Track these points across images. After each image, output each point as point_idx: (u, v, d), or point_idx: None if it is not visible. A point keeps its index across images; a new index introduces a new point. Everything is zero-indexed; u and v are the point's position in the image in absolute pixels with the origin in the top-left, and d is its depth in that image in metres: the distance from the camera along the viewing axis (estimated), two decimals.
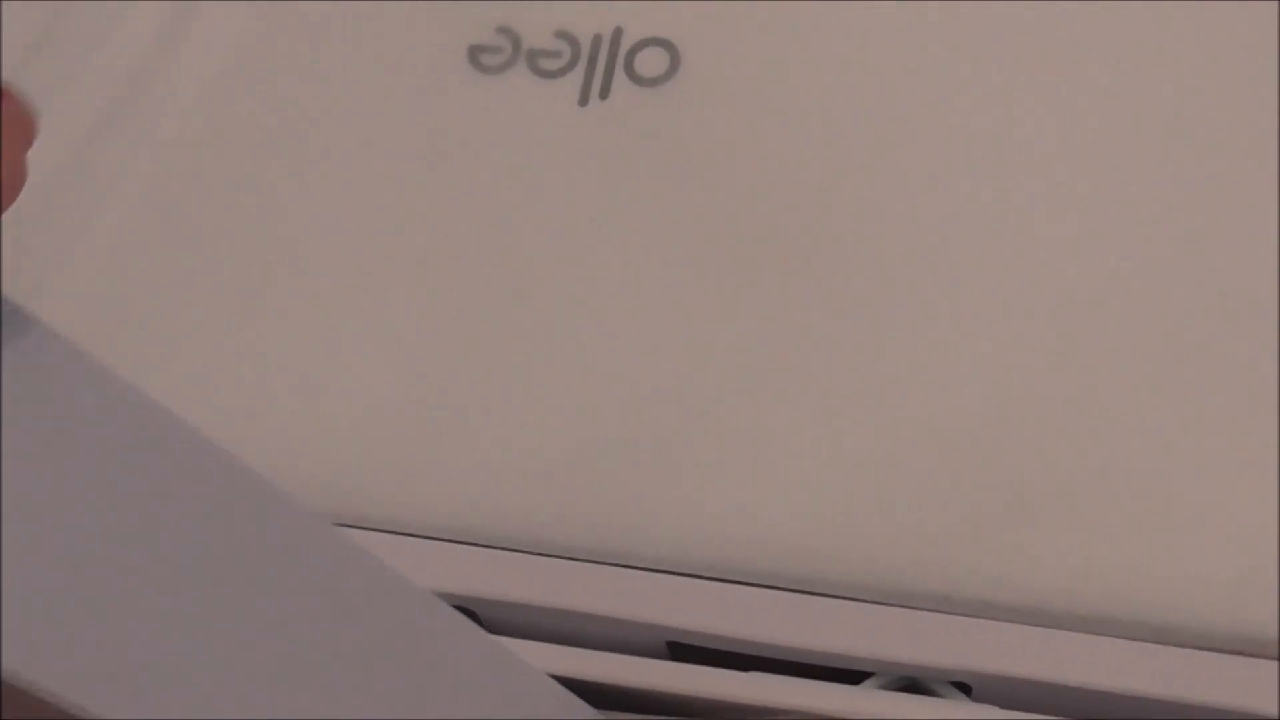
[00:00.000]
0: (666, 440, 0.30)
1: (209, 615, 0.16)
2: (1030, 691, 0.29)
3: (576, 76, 0.34)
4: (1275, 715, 0.27)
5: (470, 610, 0.31)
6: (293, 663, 0.17)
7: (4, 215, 0.16)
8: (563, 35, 0.34)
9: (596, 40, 0.34)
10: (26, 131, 0.16)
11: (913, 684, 0.29)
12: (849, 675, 0.29)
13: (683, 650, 0.30)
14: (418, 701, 0.20)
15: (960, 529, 0.29)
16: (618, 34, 0.34)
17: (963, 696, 0.29)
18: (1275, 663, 0.28)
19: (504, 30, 0.35)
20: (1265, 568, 0.28)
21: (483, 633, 0.24)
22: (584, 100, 0.34)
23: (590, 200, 0.33)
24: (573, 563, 0.30)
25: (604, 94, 0.34)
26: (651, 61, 0.34)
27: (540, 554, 0.30)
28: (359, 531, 0.31)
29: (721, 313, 0.32)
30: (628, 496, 0.30)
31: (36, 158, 0.16)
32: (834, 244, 0.32)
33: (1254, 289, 0.30)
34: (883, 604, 0.29)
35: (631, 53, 0.34)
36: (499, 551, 0.31)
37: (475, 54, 0.35)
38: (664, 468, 0.30)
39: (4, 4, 0.35)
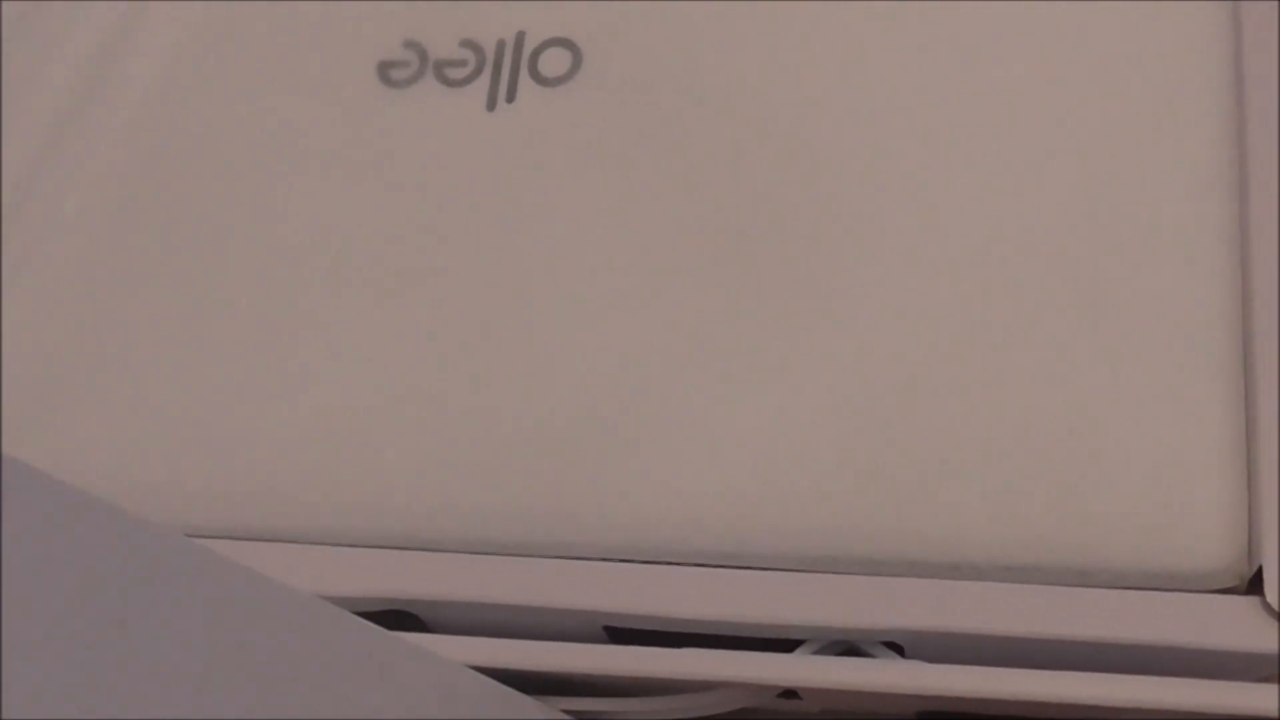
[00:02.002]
0: (587, 430, 0.31)
1: None
2: (962, 645, 0.29)
3: (483, 83, 0.35)
4: (1202, 646, 0.28)
5: (410, 613, 0.32)
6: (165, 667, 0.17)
7: None
8: (467, 44, 0.35)
9: (500, 46, 0.35)
10: None
11: (847, 648, 0.30)
12: (784, 645, 0.30)
13: (620, 633, 0.31)
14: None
15: (882, 491, 0.29)
16: (520, 38, 0.35)
17: (895, 656, 0.29)
18: (1197, 595, 0.28)
19: (411, 44, 0.35)
20: (1180, 504, 0.28)
21: (387, 635, 0.24)
22: (492, 105, 0.34)
23: (506, 201, 0.33)
24: (506, 558, 0.31)
25: (510, 98, 0.34)
26: (554, 62, 0.34)
27: (474, 552, 0.31)
28: (292, 546, 0.32)
29: (641, 302, 0.32)
30: (556, 489, 0.31)
31: None
32: (743, 225, 0.32)
33: (1160, 238, 0.31)
34: (811, 571, 0.29)
35: (535, 55, 0.35)
36: (434, 554, 0.31)
37: (385, 70, 0.35)
38: (587, 457, 0.31)
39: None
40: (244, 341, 0.33)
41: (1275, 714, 0.27)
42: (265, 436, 0.32)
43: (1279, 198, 0.30)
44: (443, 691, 0.24)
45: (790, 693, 0.30)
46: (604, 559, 0.30)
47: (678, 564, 0.30)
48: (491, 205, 0.33)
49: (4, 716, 0.15)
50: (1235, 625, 0.28)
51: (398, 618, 0.32)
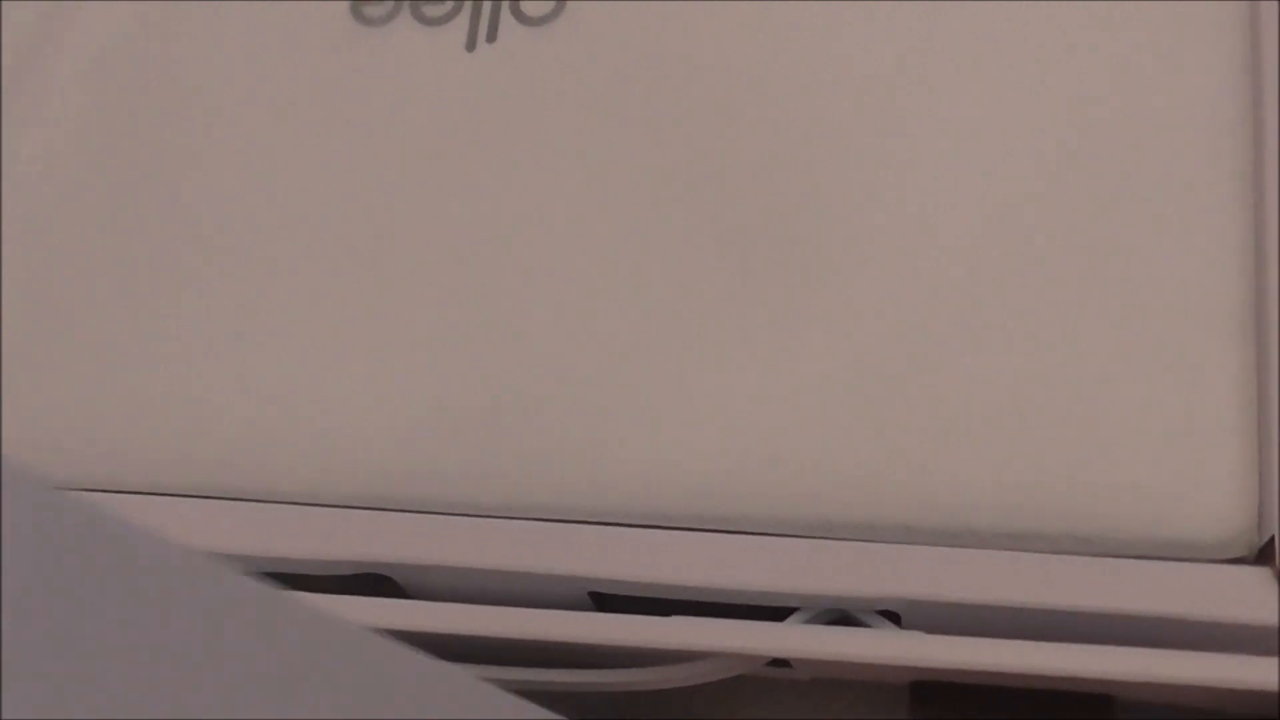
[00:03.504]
0: (574, 390, 0.30)
1: None
2: (960, 614, 0.28)
3: (462, 22, 0.33)
4: (1209, 617, 0.27)
5: (388, 576, 0.30)
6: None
7: None
8: None
9: None
10: None
11: (841, 617, 0.29)
12: (775, 613, 0.29)
13: (607, 601, 0.30)
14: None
15: (880, 455, 0.28)
16: None
17: (892, 625, 0.28)
18: (1205, 565, 0.27)
19: None
20: (1188, 471, 0.27)
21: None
22: (472, 45, 0.33)
23: (486, 144, 0.32)
24: (488, 520, 0.29)
25: (491, 37, 0.33)
26: (538, 1, 0.33)
27: (454, 514, 0.30)
28: (272, 505, 0.30)
29: (630, 257, 0.31)
30: (541, 448, 0.30)
31: None
32: (737, 184, 0.31)
33: (1169, 202, 0.30)
34: (805, 537, 0.28)
35: None
36: (412, 515, 0.30)
37: (358, 8, 0.34)
38: (573, 418, 0.29)
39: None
40: (212, 300, 0.31)
41: (1274, 688, 0.26)
42: (238, 397, 0.31)
43: None
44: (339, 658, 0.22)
45: (781, 661, 0.29)
46: (590, 523, 0.29)
47: (667, 528, 0.29)
48: (470, 150, 0.32)
49: None
50: (1243, 596, 0.27)
51: (374, 582, 0.31)
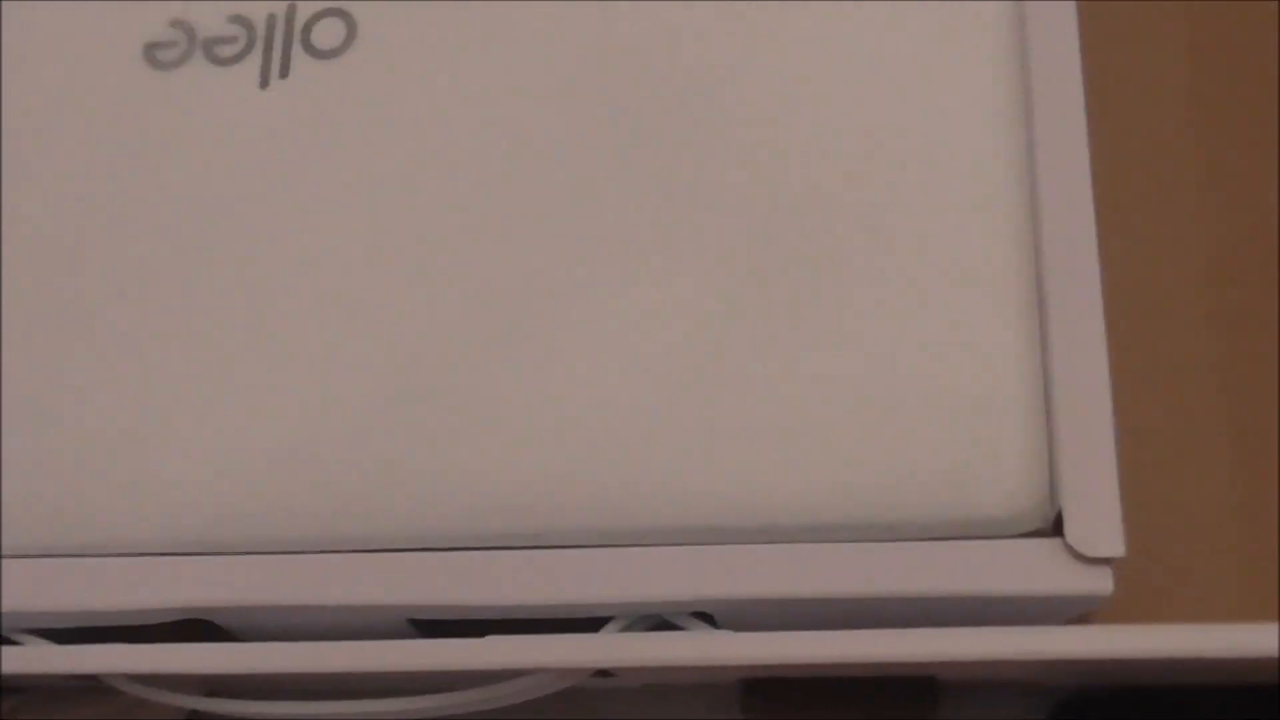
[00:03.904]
0: (376, 418, 0.30)
1: None
2: (773, 610, 0.28)
3: (255, 59, 0.33)
4: (1009, 592, 0.27)
5: (209, 621, 0.30)
6: None
7: None
8: (237, 20, 0.33)
9: (271, 20, 0.33)
10: None
11: (657, 622, 0.29)
12: (596, 624, 0.29)
13: (431, 625, 0.30)
14: None
15: (679, 459, 0.28)
16: (291, 10, 0.33)
17: (707, 627, 0.29)
18: (1004, 541, 0.28)
19: (178, 23, 0.34)
20: (980, 451, 0.28)
21: None
22: (265, 82, 0.33)
23: (282, 180, 0.32)
24: (303, 556, 0.29)
25: (284, 73, 0.33)
26: (328, 33, 0.33)
27: (270, 553, 0.30)
28: (88, 559, 0.30)
29: (421, 281, 0.31)
30: (346, 481, 0.29)
31: None
32: (528, 202, 0.31)
33: (947, 182, 0.30)
34: (615, 546, 0.29)
35: (307, 27, 0.33)
36: (229, 558, 0.30)
37: (151, 51, 0.34)
38: (377, 447, 0.29)
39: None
40: (7, 344, 0.31)
41: (1084, 656, 0.27)
42: (39, 449, 0.30)
43: (1065, 133, 0.30)
44: None
45: (606, 671, 0.30)
46: (406, 550, 0.29)
47: (481, 549, 0.29)
48: (270, 186, 0.32)
49: None
50: (1039, 569, 0.27)
51: (195, 628, 0.31)
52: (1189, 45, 0.35)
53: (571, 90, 0.32)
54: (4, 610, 0.30)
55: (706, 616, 0.29)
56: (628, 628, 0.29)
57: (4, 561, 0.30)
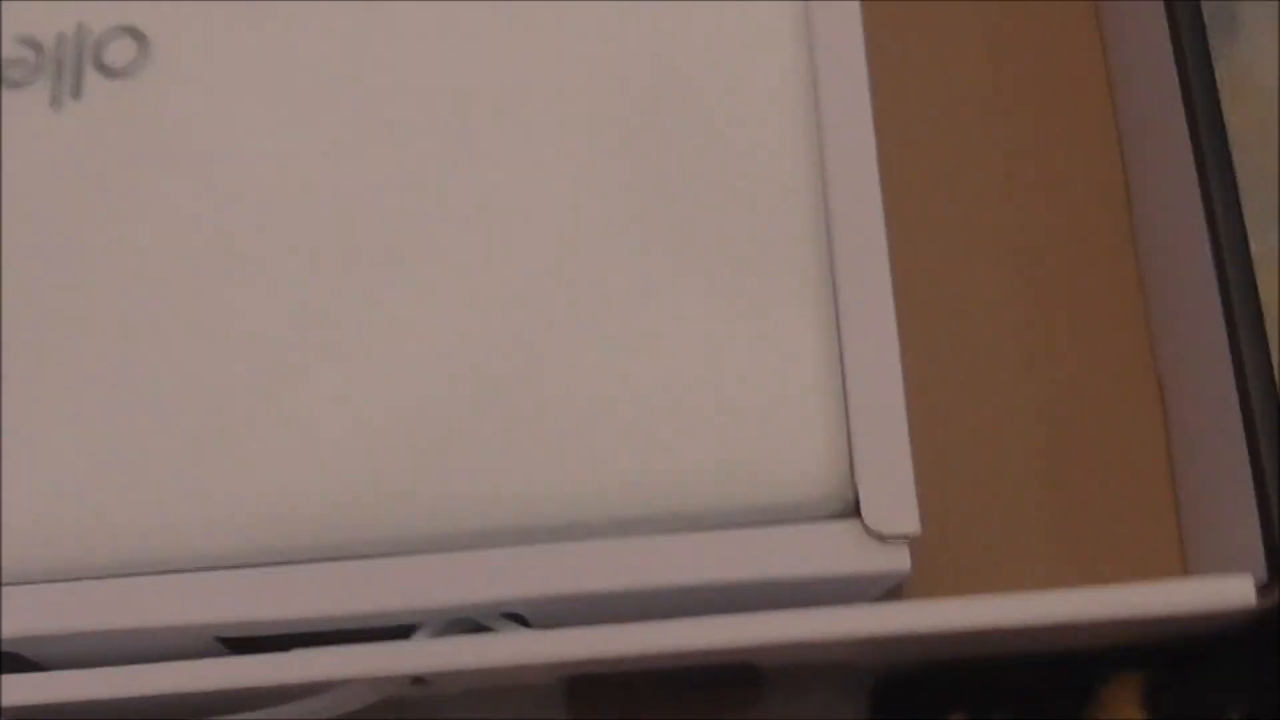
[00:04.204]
0: (165, 434, 0.29)
1: None
2: (585, 607, 0.28)
3: (46, 80, 0.32)
4: (810, 574, 0.28)
5: (15, 654, 0.30)
6: None
7: None
8: (25, 41, 0.33)
9: (61, 39, 0.33)
10: None
11: (469, 625, 0.29)
12: (408, 632, 0.29)
13: (240, 642, 0.29)
14: None
15: (477, 461, 0.28)
16: (81, 30, 0.33)
17: (518, 627, 0.29)
18: (805, 525, 0.28)
19: None
20: (780, 437, 0.28)
21: None
22: (56, 103, 0.32)
23: (80, 201, 0.31)
24: (105, 581, 0.29)
25: (76, 93, 0.32)
26: (120, 52, 0.32)
27: (70, 579, 0.29)
28: None
29: (226, 303, 0.30)
30: (139, 500, 0.29)
31: None
32: (327, 208, 0.31)
33: (737, 169, 0.30)
34: (419, 553, 0.28)
35: (99, 46, 0.32)
36: (28, 586, 0.29)
37: None
38: (166, 463, 0.29)
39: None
40: None
41: (889, 632, 0.27)
42: None
43: (851, 121, 0.30)
44: None
45: (422, 679, 0.30)
46: (209, 569, 0.29)
47: (286, 564, 0.29)
48: (68, 209, 0.31)
49: None
50: (840, 550, 0.28)
51: (7, 660, 0.30)
52: (981, 34, 0.36)
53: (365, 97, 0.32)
54: None
55: (519, 618, 0.29)
56: (439, 633, 0.29)
57: None
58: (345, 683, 0.28)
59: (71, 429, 0.29)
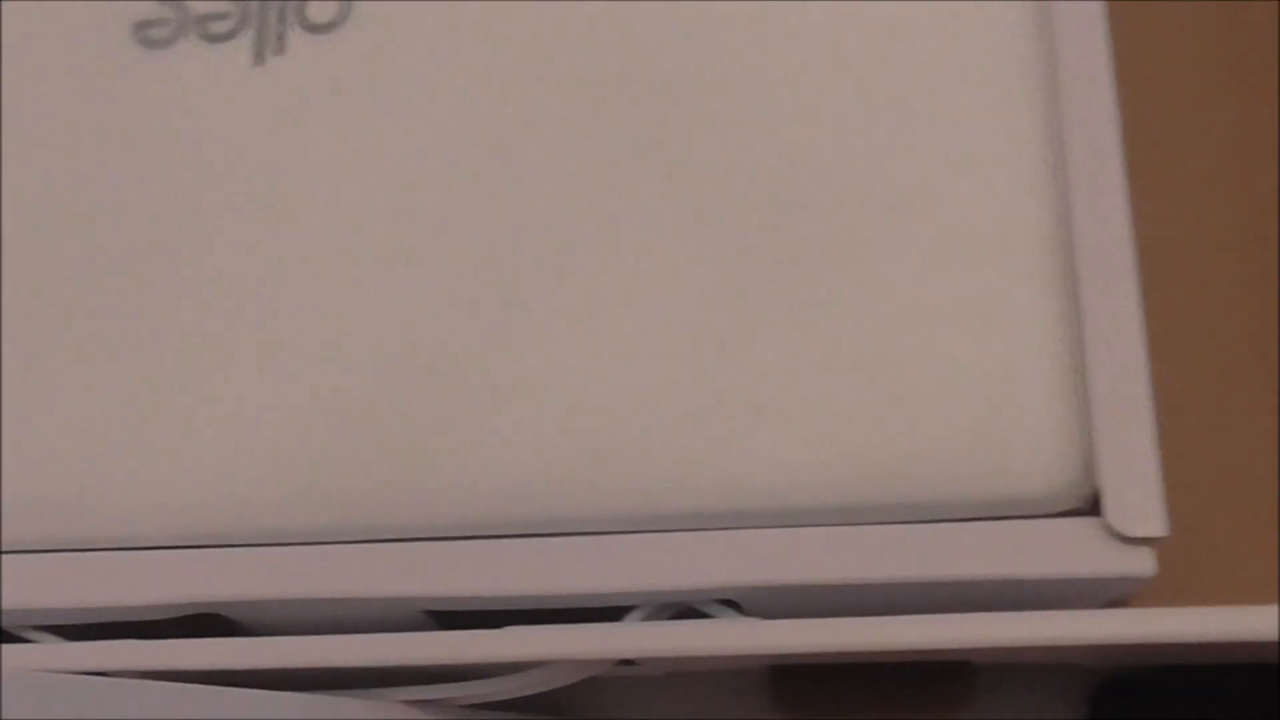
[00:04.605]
0: (385, 404, 0.29)
1: None
2: (799, 596, 0.27)
3: (248, 35, 0.32)
4: (1044, 575, 0.26)
5: (219, 615, 0.29)
6: None
7: None
8: None
9: None
10: None
11: (681, 610, 0.28)
12: (617, 613, 0.28)
13: (446, 616, 0.29)
14: None
15: (698, 442, 0.27)
16: None
17: (733, 613, 0.28)
18: (1037, 521, 0.27)
19: (168, 1, 0.32)
20: (1011, 426, 0.27)
21: None
22: (260, 58, 0.32)
23: (280, 156, 0.31)
24: (315, 547, 0.29)
25: (279, 49, 0.32)
26: (323, 7, 0.32)
27: (280, 544, 0.29)
28: (94, 553, 0.29)
29: (424, 261, 0.29)
30: (361, 469, 0.29)
31: None
32: (529, 178, 0.30)
33: (974, 148, 0.29)
34: (636, 533, 0.28)
35: (302, 1, 0.32)
36: (239, 549, 0.29)
37: (141, 30, 0.32)
38: (388, 433, 0.28)
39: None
40: (5, 339, 0.30)
41: (1125, 640, 0.26)
42: (38, 442, 0.29)
43: (1092, 94, 0.29)
44: None
45: (629, 660, 0.29)
46: (420, 539, 0.28)
47: (497, 538, 0.28)
48: (267, 167, 0.31)
49: None
50: (1077, 550, 0.26)
51: (206, 622, 0.30)
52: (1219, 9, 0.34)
53: (576, 62, 0.31)
54: (9, 607, 0.29)
55: (732, 603, 0.28)
56: (651, 616, 0.28)
57: (8, 557, 0.30)
58: (553, 662, 0.28)
59: (312, 394, 0.29)
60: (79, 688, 0.22)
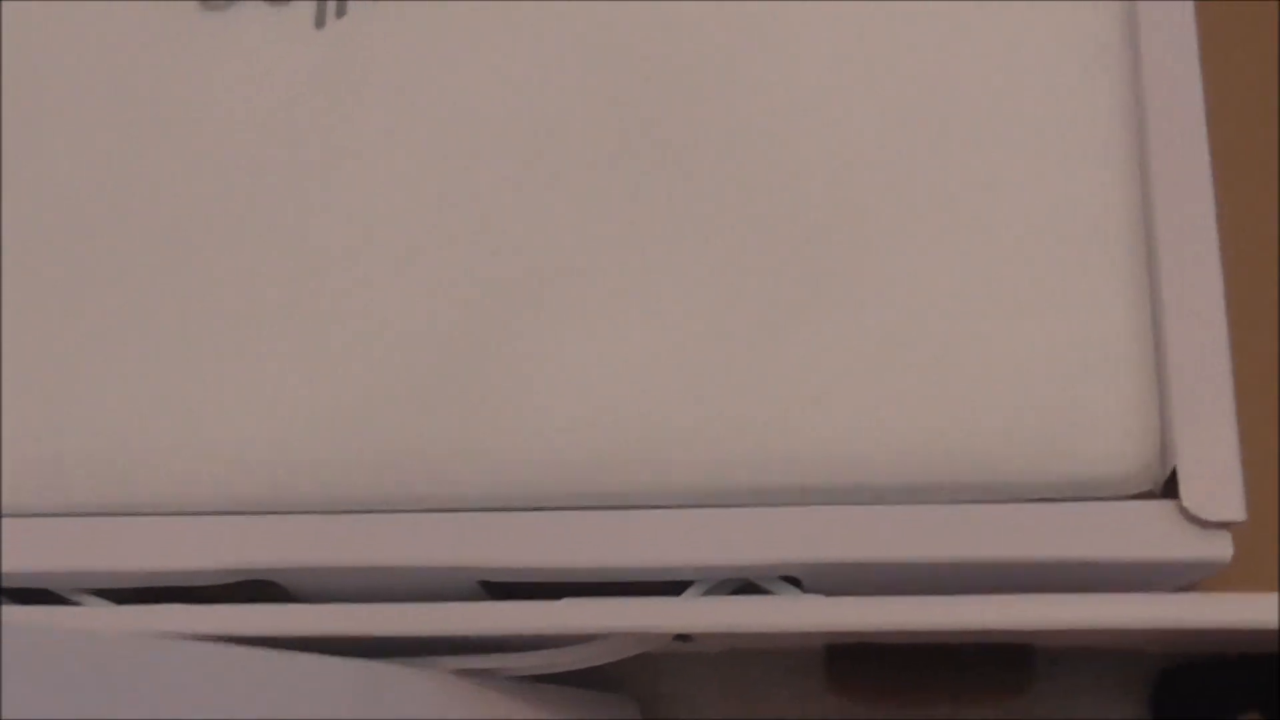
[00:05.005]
0: (445, 375, 0.28)
1: None
2: (862, 574, 0.27)
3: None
4: (1116, 557, 0.26)
5: (274, 581, 0.29)
6: None
7: None
8: None
9: None
10: None
11: (743, 585, 0.27)
12: (676, 587, 0.28)
13: (500, 587, 0.29)
14: None
15: (764, 416, 0.27)
16: None
17: (793, 590, 0.27)
18: (1110, 503, 0.26)
19: None
20: (1085, 407, 0.26)
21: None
22: (321, 22, 0.31)
23: (340, 123, 0.30)
24: (371, 516, 0.28)
25: (340, 12, 0.31)
26: None
27: (336, 512, 0.28)
28: (149, 518, 0.29)
29: (486, 234, 0.29)
30: (420, 440, 0.28)
31: None
32: (590, 152, 0.29)
33: (1052, 125, 0.28)
34: (697, 507, 0.27)
35: None
36: (294, 516, 0.28)
37: None
38: (448, 404, 0.28)
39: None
40: (64, 303, 0.30)
41: (1198, 624, 0.25)
42: (94, 406, 0.29)
43: (1174, 81, 0.28)
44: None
45: (686, 635, 0.28)
46: (477, 510, 0.28)
47: (555, 509, 0.28)
48: (325, 130, 0.30)
49: None
50: (1152, 533, 0.26)
51: (259, 588, 0.29)
52: None
53: (626, 52, 0.30)
54: (62, 569, 0.29)
55: (792, 580, 0.27)
56: (710, 591, 0.27)
57: (62, 519, 0.29)
58: (609, 635, 0.27)
59: (370, 361, 0.29)
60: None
